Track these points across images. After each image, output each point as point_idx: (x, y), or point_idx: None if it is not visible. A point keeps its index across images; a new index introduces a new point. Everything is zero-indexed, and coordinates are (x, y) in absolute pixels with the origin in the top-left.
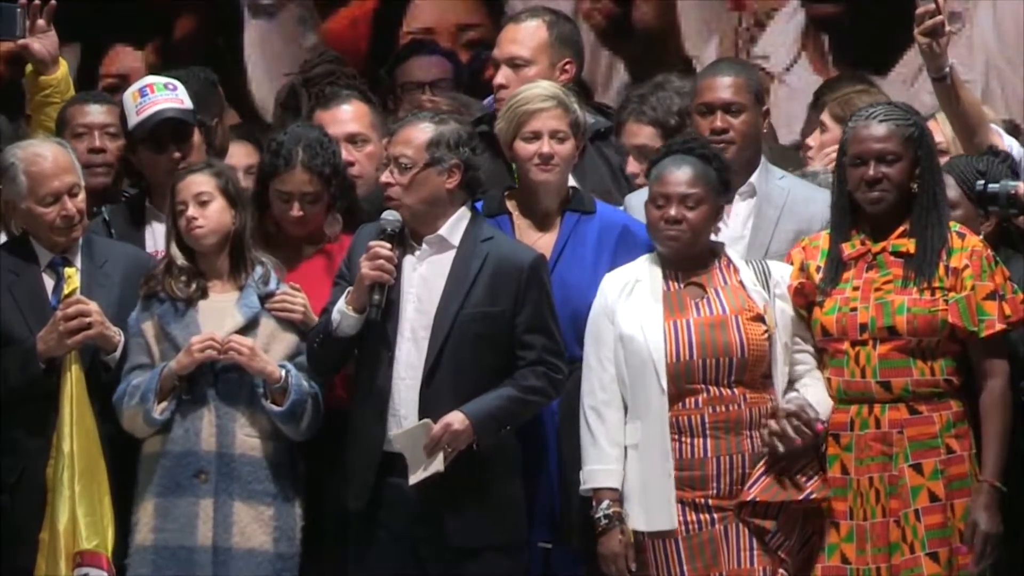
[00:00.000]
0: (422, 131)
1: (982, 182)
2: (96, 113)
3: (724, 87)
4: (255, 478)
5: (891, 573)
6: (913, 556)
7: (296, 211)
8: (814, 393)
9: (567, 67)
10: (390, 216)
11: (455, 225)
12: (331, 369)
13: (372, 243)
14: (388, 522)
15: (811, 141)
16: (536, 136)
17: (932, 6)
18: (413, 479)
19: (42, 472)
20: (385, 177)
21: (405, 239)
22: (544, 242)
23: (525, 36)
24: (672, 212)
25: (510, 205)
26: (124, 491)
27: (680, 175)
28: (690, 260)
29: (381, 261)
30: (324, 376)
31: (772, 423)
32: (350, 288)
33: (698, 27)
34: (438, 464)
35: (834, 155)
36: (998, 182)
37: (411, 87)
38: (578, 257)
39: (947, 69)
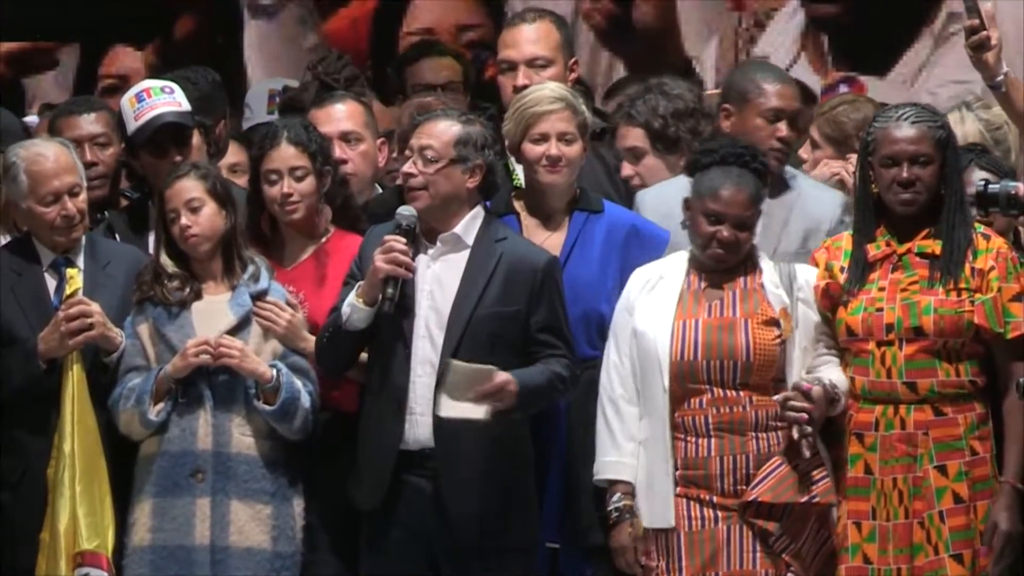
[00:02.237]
0: (451, 127)
1: (983, 182)
2: (86, 124)
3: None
4: (252, 477)
5: (912, 574)
6: (937, 558)
7: (286, 187)
8: (825, 372)
9: (574, 67)
10: (405, 211)
11: (469, 224)
12: (339, 366)
13: (387, 236)
14: (402, 520)
15: (804, 154)
16: (544, 138)
17: (976, 21)
18: (445, 412)
19: (43, 472)
20: (407, 167)
21: (418, 237)
22: (552, 242)
23: (541, 36)
24: (726, 234)
25: (517, 205)
26: (123, 491)
27: (738, 195)
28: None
29: (395, 255)
30: (333, 375)
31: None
32: (361, 283)
33: (698, 27)
34: (481, 412)
35: (833, 169)
36: (999, 183)
37: (421, 88)
38: (587, 256)
39: (1000, 77)
